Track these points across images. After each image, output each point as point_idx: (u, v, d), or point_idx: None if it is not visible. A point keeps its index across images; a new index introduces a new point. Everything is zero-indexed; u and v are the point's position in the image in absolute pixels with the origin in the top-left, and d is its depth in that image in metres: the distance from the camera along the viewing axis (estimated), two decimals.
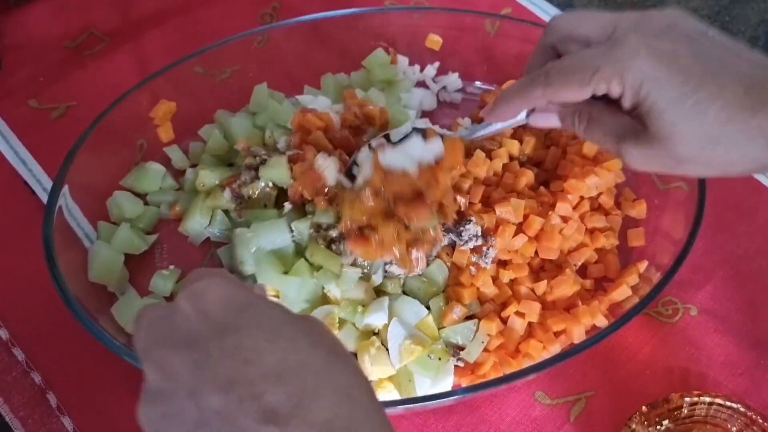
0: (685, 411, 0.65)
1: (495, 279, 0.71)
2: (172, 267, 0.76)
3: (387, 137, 0.71)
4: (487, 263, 0.70)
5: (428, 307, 0.70)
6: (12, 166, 0.84)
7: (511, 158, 0.78)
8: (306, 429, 0.36)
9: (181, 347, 0.39)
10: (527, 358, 0.68)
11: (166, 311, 0.42)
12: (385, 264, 0.70)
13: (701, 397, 0.65)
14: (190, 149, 0.83)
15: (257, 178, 0.75)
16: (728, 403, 0.65)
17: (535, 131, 0.82)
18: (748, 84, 0.50)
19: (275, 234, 0.71)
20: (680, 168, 0.53)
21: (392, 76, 0.87)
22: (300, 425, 0.36)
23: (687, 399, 0.66)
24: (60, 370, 0.70)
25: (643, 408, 0.66)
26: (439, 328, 0.69)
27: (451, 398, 0.62)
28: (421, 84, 0.90)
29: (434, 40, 0.89)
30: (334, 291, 0.69)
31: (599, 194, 0.75)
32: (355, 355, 0.68)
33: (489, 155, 0.76)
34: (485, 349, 0.68)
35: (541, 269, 0.74)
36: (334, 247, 0.70)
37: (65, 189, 0.72)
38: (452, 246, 0.72)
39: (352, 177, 0.71)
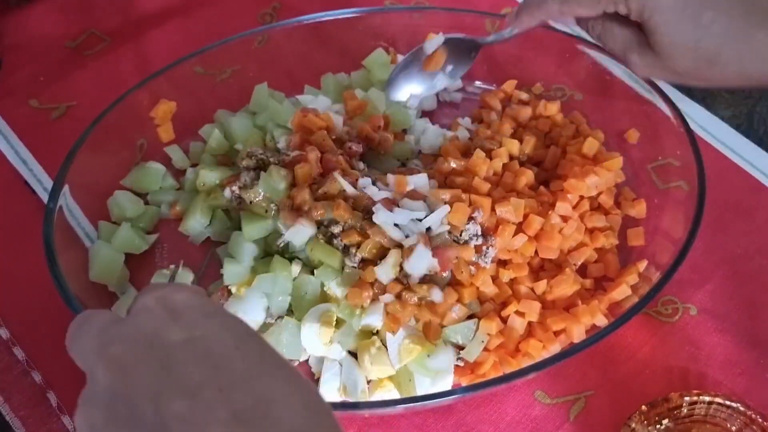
0: (685, 410, 0.65)
1: (495, 278, 0.71)
2: (172, 266, 0.76)
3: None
4: (486, 263, 0.70)
5: None
6: (12, 165, 0.84)
7: (511, 158, 0.78)
8: None
9: (144, 347, 0.37)
10: (527, 358, 0.68)
11: (118, 317, 0.40)
12: None
13: (701, 397, 0.65)
14: (190, 149, 0.84)
15: (257, 179, 0.74)
16: (728, 403, 0.65)
17: (534, 132, 0.82)
18: (747, 5, 0.56)
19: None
20: (680, 79, 0.62)
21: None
22: (263, 429, 0.35)
23: (686, 398, 0.66)
24: (60, 369, 0.70)
25: (643, 407, 0.66)
26: None
27: (450, 398, 0.62)
28: None
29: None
30: (334, 289, 0.69)
31: (599, 194, 0.75)
32: (354, 355, 0.68)
33: (489, 155, 0.76)
34: (485, 349, 0.68)
35: (541, 269, 0.74)
36: (335, 242, 0.70)
37: (66, 189, 0.72)
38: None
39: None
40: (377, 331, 0.69)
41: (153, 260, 0.77)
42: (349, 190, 0.71)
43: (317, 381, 0.68)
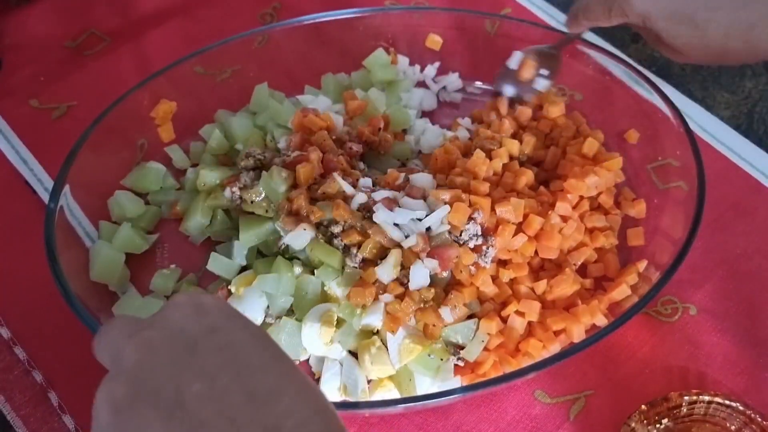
0: (684, 410, 0.66)
1: (495, 278, 0.71)
2: (173, 266, 0.76)
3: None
4: (486, 262, 0.70)
5: None
6: (13, 165, 0.84)
7: (511, 158, 0.78)
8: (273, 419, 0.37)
9: (172, 332, 0.40)
10: (527, 357, 0.68)
11: (147, 316, 0.43)
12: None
13: (700, 396, 0.66)
14: (190, 149, 0.84)
15: (257, 179, 0.75)
16: (727, 402, 0.65)
17: (535, 132, 0.82)
18: (741, 3, 0.63)
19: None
20: (698, 61, 0.69)
21: (393, 76, 0.87)
22: (285, 413, 0.37)
23: (686, 398, 0.66)
24: (61, 369, 0.70)
25: (643, 407, 0.66)
26: None
27: (450, 397, 0.62)
28: (422, 84, 0.91)
29: (434, 40, 0.89)
30: (334, 289, 0.69)
31: (599, 194, 0.76)
32: (355, 355, 0.69)
33: (489, 155, 0.76)
34: (485, 348, 0.68)
35: (541, 269, 0.74)
36: (335, 242, 0.70)
37: (66, 189, 0.72)
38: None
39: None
40: (377, 331, 0.69)
41: (153, 260, 0.77)
42: (349, 190, 0.71)
43: (318, 380, 0.68)
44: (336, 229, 0.69)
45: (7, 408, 0.68)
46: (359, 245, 0.69)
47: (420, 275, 0.67)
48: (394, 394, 0.67)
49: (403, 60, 0.90)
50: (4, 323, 0.73)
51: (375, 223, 0.69)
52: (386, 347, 0.67)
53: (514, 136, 0.81)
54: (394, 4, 1.00)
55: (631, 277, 0.71)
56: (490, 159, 0.76)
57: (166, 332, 0.40)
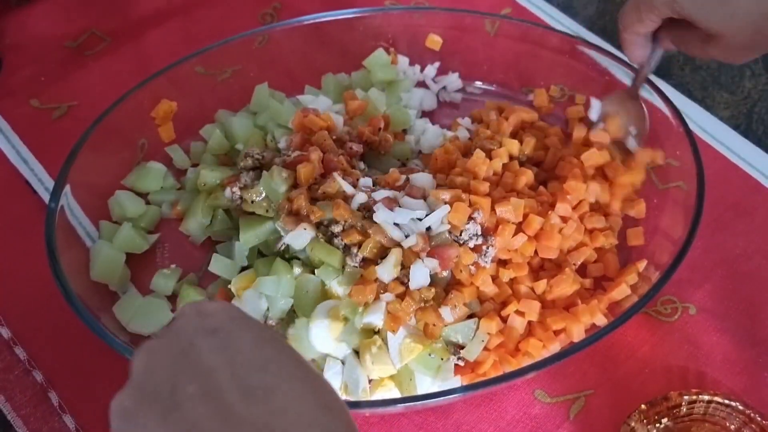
0: (684, 409, 0.66)
1: (495, 278, 0.71)
2: (173, 266, 0.76)
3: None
4: (486, 262, 0.70)
5: None
6: (14, 165, 0.84)
7: (511, 158, 0.78)
8: (273, 417, 0.37)
9: (171, 337, 0.41)
10: (527, 357, 0.68)
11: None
12: None
13: (700, 396, 0.66)
14: (191, 149, 0.84)
15: (257, 179, 0.75)
16: (727, 401, 0.65)
17: (534, 132, 0.82)
18: None
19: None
20: (759, 48, 0.63)
21: (393, 76, 0.87)
22: (281, 409, 0.37)
23: (686, 397, 0.66)
24: (61, 368, 0.70)
25: (642, 406, 0.66)
26: None
27: (450, 396, 0.63)
28: (422, 84, 0.91)
29: (434, 41, 0.89)
30: (335, 288, 0.69)
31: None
32: (357, 352, 0.69)
33: (489, 155, 0.76)
34: (485, 348, 0.68)
35: (541, 268, 0.74)
36: (336, 241, 0.70)
37: (67, 188, 0.72)
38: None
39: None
40: (378, 331, 0.69)
41: (154, 260, 0.77)
42: (349, 190, 0.72)
43: None
44: (336, 229, 0.70)
45: (8, 408, 0.68)
46: (359, 245, 0.69)
47: (420, 275, 0.67)
48: (395, 394, 0.67)
49: (403, 60, 0.90)
50: (4, 323, 0.73)
51: (375, 222, 0.69)
52: (387, 346, 0.67)
53: (513, 135, 0.81)
54: (394, 5, 1.00)
55: (631, 277, 0.71)
56: (490, 159, 0.76)
57: (167, 338, 0.41)
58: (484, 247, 0.70)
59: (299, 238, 0.70)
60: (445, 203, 0.70)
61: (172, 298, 0.73)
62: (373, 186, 0.74)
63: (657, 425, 0.65)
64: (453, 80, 0.90)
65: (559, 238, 0.72)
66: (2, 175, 0.83)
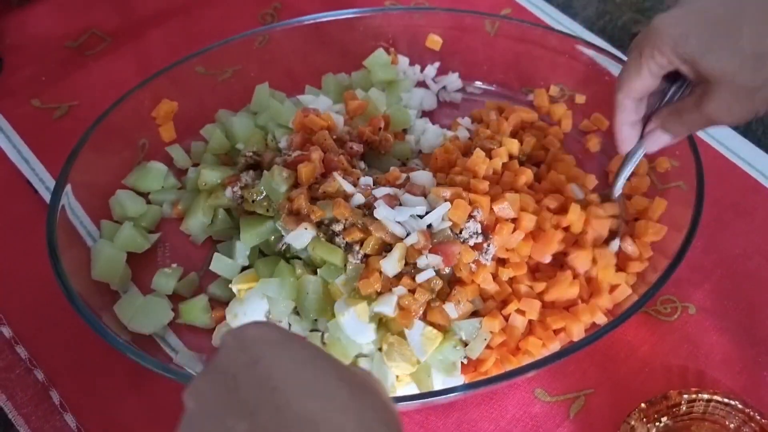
0: (684, 408, 0.66)
1: (495, 276, 0.71)
2: (174, 265, 0.76)
3: None
4: (487, 260, 0.70)
5: None
6: (15, 165, 0.84)
7: (511, 157, 0.78)
8: None
9: (216, 375, 0.40)
10: (527, 356, 0.68)
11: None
12: None
13: (699, 394, 0.66)
14: (191, 148, 0.84)
15: (257, 178, 0.75)
16: (726, 400, 0.65)
17: (534, 132, 0.82)
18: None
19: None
20: (758, 100, 0.57)
21: (393, 76, 0.87)
22: None
23: (685, 396, 0.66)
24: (63, 367, 0.71)
25: (642, 405, 0.66)
26: None
27: (451, 395, 0.63)
28: (422, 84, 0.91)
29: (434, 41, 0.89)
30: (339, 286, 0.69)
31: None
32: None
33: (489, 154, 0.76)
34: (487, 347, 0.68)
35: (536, 269, 0.74)
36: (337, 240, 0.70)
37: (68, 188, 0.72)
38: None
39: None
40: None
41: (155, 259, 0.77)
42: (349, 189, 0.72)
43: None
44: (337, 228, 0.70)
45: (9, 406, 0.69)
46: (361, 242, 0.69)
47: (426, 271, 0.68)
48: (413, 390, 0.67)
49: (403, 60, 0.90)
50: (5, 322, 0.73)
51: (376, 219, 0.69)
52: (404, 340, 0.67)
53: (513, 135, 0.81)
54: (394, 5, 1.00)
55: (631, 277, 0.71)
56: (490, 158, 0.76)
57: (211, 375, 0.41)
58: (484, 245, 0.70)
59: (300, 237, 0.70)
60: (446, 200, 0.70)
61: (173, 298, 0.74)
62: (373, 185, 0.74)
63: (657, 424, 0.65)
64: (453, 80, 0.90)
65: (554, 245, 0.71)
66: (3, 175, 0.83)
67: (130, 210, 0.77)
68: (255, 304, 0.70)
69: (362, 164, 0.80)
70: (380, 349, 0.68)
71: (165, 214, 0.80)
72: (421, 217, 0.70)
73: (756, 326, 0.73)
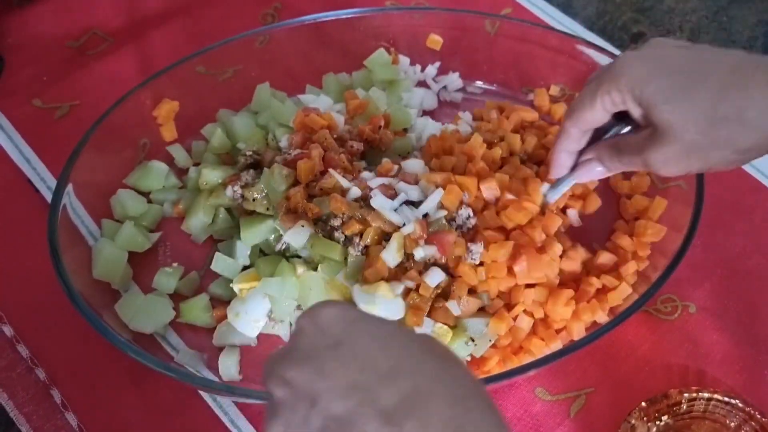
0: (684, 406, 0.66)
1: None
2: (175, 264, 0.76)
3: None
4: (475, 259, 0.70)
5: None
6: (16, 164, 0.84)
7: (512, 153, 0.78)
8: (422, 431, 0.37)
9: (300, 361, 0.41)
10: (528, 355, 0.68)
11: (284, 346, 0.44)
12: None
13: (700, 393, 0.66)
14: (192, 148, 0.84)
15: (258, 177, 0.75)
16: (726, 399, 0.66)
17: (535, 131, 0.82)
18: (734, 67, 0.54)
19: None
20: (696, 158, 0.56)
21: (394, 76, 0.88)
22: (416, 427, 0.37)
23: (686, 395, 0.66)
24: (64, 366, 0.71)
25: (643, 404, 0.66)
26: None
27: None
28: (422, 84, 0.91)
29: (435, 40, 0.90)
30: (342, 281, 0.69)
31: None
32: None
33: (489, 146, 0.77)
34: (492, 345, 0.68)
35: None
36: (336, 235, 0.70)
37: (69, 187, 0.72)
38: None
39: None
40: None
41: (156, 258, 0.77)
42: (345, 184, 0.72)
43: None
44: (335, 222, 0.70)
45: (10, 405, 0.69)
46: (360, 234, 0.69)
47: (435, 275, 0.68)
48: None
49: (404, 60, 0.90)
50: (6, 321, 0.73)
51: (373, 209, 0.69)
52: None
53: (515, 130, 0.82)
54: (394, 5, 1.00)
55: (631, 276, 0.71)
56: (490, 149, 0.76)
57: (297, 362, 0.41)
58: (469, 245, 0.70)
59: (298, 235, 0.70)
60: (437, 186, 0.70)
61: (174, 297, 0.74)
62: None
63: (657, 423, 0.65)
64: (453, 80, 0.90)
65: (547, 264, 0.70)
66: (5, 175, 0.84)
67: (131, 209, 0.77)
68: (257, 303, 0.70)
69: (363, 163, 0.80)
70: None
71: (166, 213, 0.80)
72: (416, 205, 0.70)
73: (756, 325, 0.73)
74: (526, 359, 0.68)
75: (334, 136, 0.79)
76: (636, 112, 0.58)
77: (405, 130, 0.86)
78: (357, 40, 0.89)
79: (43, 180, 0.83)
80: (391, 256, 0.68)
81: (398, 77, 0.88)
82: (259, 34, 0.86)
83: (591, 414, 0.68)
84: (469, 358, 0.68)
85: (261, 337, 0.72)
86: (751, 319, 0.73)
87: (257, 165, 0.78)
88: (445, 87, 0.91)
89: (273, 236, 0.74)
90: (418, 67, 0.91)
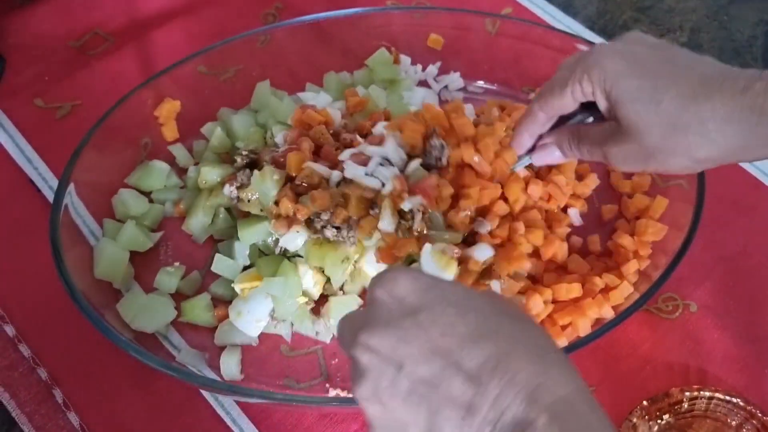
0: (686, 405, 0.66)
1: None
2: (176, 264, 0.76)
3: None
4: (416, 228, 0.70)
5: None
6: (18, 164, 0.84)
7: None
8: (507, 387, 0.38)
9: (382, 330, 0.42)
10: None
11: (363, 309, 0.45)
12: None
13: (701, 392, 0.66)
14: (193, 147, 0.84)
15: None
16: (728, 398, 0.66)
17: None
18: (703, 77, 0.55)
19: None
20: (654, 161, 0.58)
21: (395, 76, 0.88)
22: (500, 385, 0.39)
23: (687, 393, 0.66)
24: (66, 365, 0.71)
25: (644, 402, 0.67)
26: None
27: None
28: (423, 83, 0.91)
29: (436, 40, 0.90)
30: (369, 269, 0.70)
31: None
32: None
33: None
34: None
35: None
36: (328, 231, 0.70)
37: (71, 187, 0.72)
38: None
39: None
40: None
41: (158, 258, 0.77)
42: (325, 172, 0.72)
43: None
44: (324, 217, 0.70)
45: (12, 405, 0.69)
46: (349, 221, 0.70)
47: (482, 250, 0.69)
48: None
49: (404, 59, 0.90)
50: (8, 320, 0.73)
51: (351, 182, 0.70)
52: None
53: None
54: (395, 4, 1.00)
55: (633, 275, 0.71)
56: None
57: (379, 330, 0.42)
58: (409, 216, 0.70)
59: (293, 240, 0.71)
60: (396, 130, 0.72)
61: (176, 296, 0.74)
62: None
63: (658, 421, 0.65)
64: (454, 79, 0.90)
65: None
66: (6, 175, 0.84)
67: (132, 209, 0.77)
68: (259, 302, 0.70)
69: None
70: None
71: (167, 213, 0.80)
72: (391, 164, 0.71)
73: (757, 324, 0.73)
74: None
75: (331, 131, 0.79)
76: (603, 105, 0.59)
77: None
78: (358, 40, 0.89)
79: (45, 180, 0.83)
80: (387, 222, 0.68)
81: (399, 77, 0.88)
82: (260, 33, 0.86)
83: None
84: None
85: (262, 336, 0.72)
86: (752, 317, 0.74)
87: (255, 164, 0.77)
88: (446, 86, 0.91)
89: (272, 239, 0.74)
90: (419, 67, 0.91)
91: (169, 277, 0.74)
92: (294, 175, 0.73)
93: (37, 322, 0.73)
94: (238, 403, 0.69)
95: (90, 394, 0.69)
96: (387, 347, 0.41)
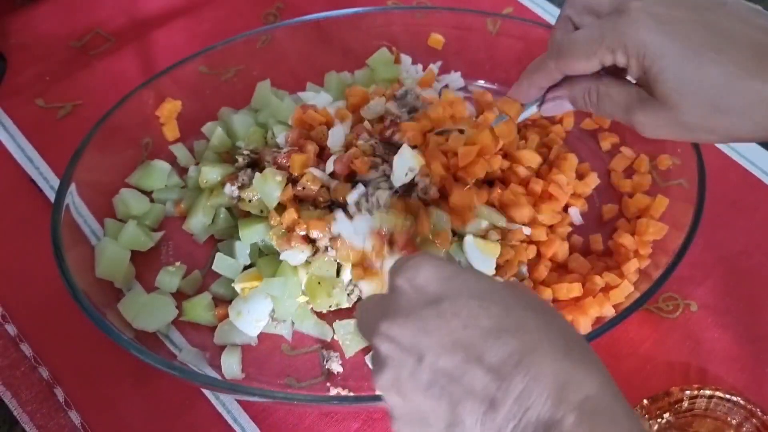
0: (686, 404, 0.66)
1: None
2: (177, 263, 0.76)
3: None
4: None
5: None
6: (19, 164, 0.84)
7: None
8: (532, 384, 0.38)
9: (403, 319, 0.41)
10: None
11: (384, 295, 0.45)
12: None
13: (701, 391, 0.66)
14: (194, 147, 0.84)
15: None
16: (728, 397, 0.66)
17: (536, 130, 0.83)
18: (754, 48, 0.50)
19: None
20: (689, 135, 0.54)
21: (395, 75, 0.88)
22: (524, 381, 0.38)
23: (687, 392, 0.66)
24: (67, 365, 0.71)
25: (645, 401, 0.67)
26: None
27: None
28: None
29: (437, 40, 0.90)
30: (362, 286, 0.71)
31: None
32: None
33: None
34: None
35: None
36: (330, 252, 0.71)
37: (72, 187, 0.72)
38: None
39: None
40: None
41: (159, 257, 0.77)
42: (325, 178, 0.73)
43: None
44: (323, 243, 0.71)
45: (14, 404, 0.69)
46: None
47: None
48: None
49: (405, 59, 0.90)
50: (10, 320, 0.74)
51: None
52: None
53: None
54: (396, 4, 1.00)
55: (633, 274, 0.71)
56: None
57: (400, 320, 0.41)
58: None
59: (294, 257, 0.71)
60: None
61: (177, 295, 0.74)
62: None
63: (659, 420, 0.65)
64: (455, 79, 0.90)
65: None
66: (8, 174, 0.84)
67: (133, 208, 0.77)
68: (259, 302, 0.70)
69: (378, 159, 0.79)
70: None
71: (168, 212, 0.80)
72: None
73: (757, 323, 0.73)
74: None
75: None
76: (636, 75, 0.54)
77: None
78: (359, 40, 0.89)
79: (46, 179, 0.83)
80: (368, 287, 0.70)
81: (400, 76, 0.88)
82: (261, 33, 0.86)
83: None
84: None
85: (263, 335, 0.72)
86: (752, 317, 0.74)
87: (256, 164, 0.78)
88: (447, 86, 0.91)
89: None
90: (420, 66, 0.91)
91: (170, 277, 0.74)
92: (296, 176, 0.73)
93: (39, 321, 0.73)
94: (239, 402, 0.69)
95: (91, 393, 0.70)
96: (407, 337, 0.40)
